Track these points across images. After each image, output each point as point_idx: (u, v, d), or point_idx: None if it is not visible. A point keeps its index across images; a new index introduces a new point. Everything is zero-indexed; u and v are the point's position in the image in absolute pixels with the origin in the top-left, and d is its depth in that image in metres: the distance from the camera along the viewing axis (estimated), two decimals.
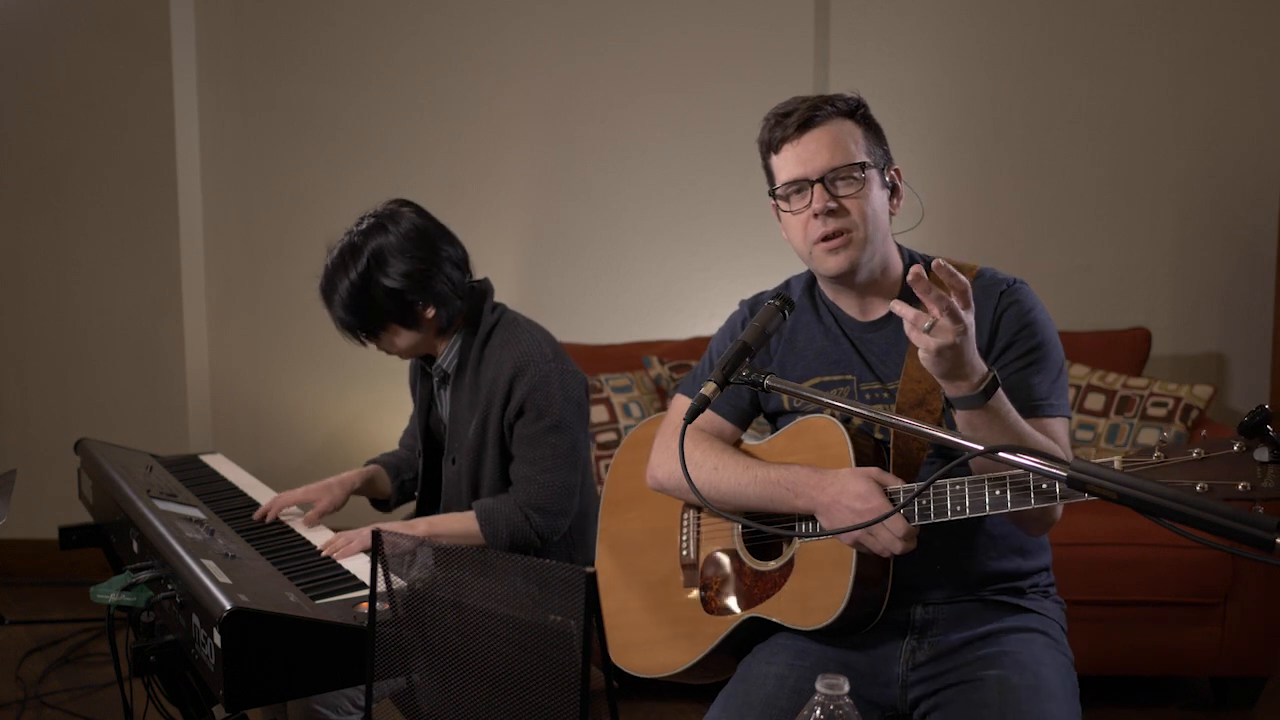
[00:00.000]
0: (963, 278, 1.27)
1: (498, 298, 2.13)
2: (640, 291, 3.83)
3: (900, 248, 1.63)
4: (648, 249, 3.82)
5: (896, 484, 1.44)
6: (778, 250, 3.76)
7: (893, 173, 1.59)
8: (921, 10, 3.61)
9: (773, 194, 1.58)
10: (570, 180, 3.85)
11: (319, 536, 1.93)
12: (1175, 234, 3.57)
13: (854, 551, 1.46)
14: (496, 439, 2.01)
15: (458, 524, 1.97)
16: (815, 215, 1.51)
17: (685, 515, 1.71)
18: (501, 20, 3.81)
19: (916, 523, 1.40)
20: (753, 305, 1.75)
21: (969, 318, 1.28)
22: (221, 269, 4.03)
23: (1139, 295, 3.59)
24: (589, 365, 3.43)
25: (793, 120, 1.53)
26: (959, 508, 1.37)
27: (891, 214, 1.58)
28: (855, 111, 1.55)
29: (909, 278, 1.28)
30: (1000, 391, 1.35)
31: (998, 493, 1.34)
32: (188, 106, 3.91)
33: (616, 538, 1.79)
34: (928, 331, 1.27)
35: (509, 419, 1.99)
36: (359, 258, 1.94)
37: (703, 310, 3.75)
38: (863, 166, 1.51)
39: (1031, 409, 1.48)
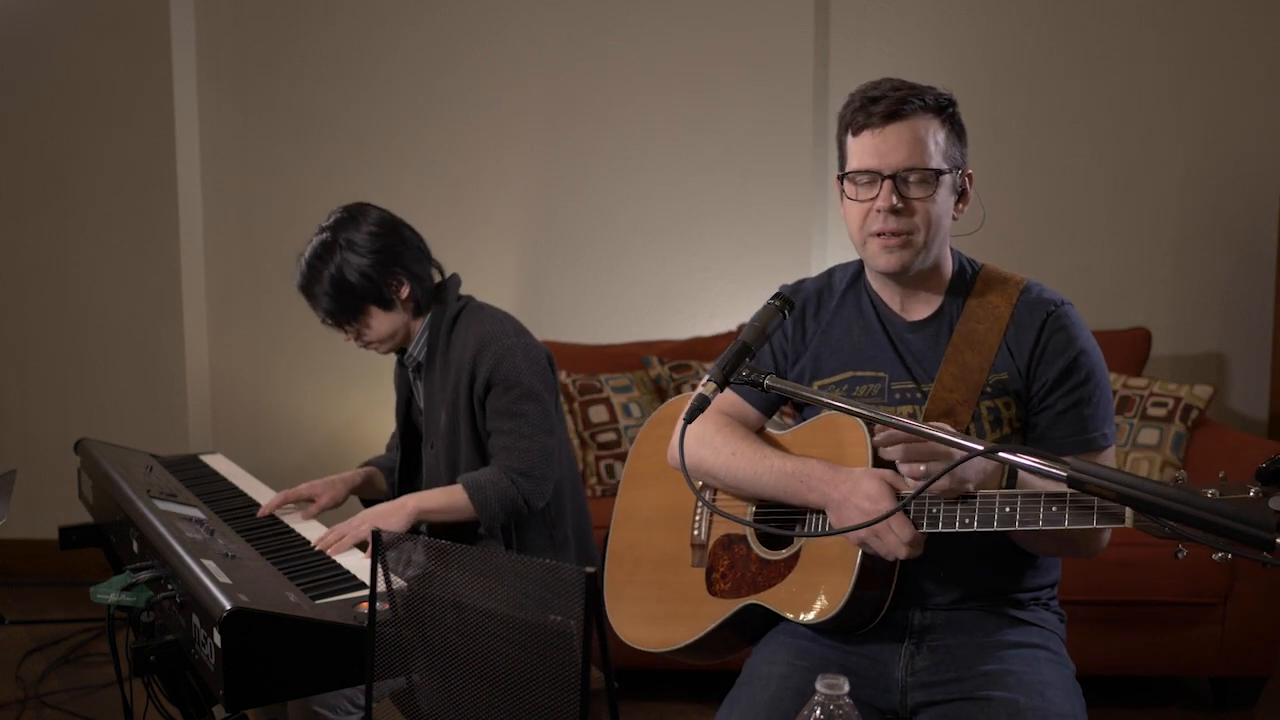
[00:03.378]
0: (924, 447, 1.35)
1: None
2: (640, 291, 3.83)
3: (953, 251, 1.62)
4: (647, 249, 3.81)
5: (909, 489, 1.42)
6: (778, 250, 3.77)
7: (965, 177, 1.56)
8: (921, 10, 3.61)
9: (841, 177, 1.55)
10: (570, 180, 3.85)
11: (318, 535, 1.93)
12: (1175, 234, 3.57)
13: (859, 551, 1.46)
14: (468, 419, 2.07)
15: (445, 497, 2.02)
16: (878, 210, 1.49)
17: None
18: (501, 21, 3.81)
19: (924, 530, 1.39)
20: (793, 292, 1.71)
21: (963, 471, 1.34)
22: (221, 269, 4.03)
23: (1139, 295, 3.59)
24: (589, 365, 3.43)
25: (879, 108, 1.48)
26: (968, 520, 1.36)
27: (954, 218, 1.57)
28: (944, 110, 1.51)
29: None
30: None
31: (1007, 510, 1.33)
32: (188, 106, 3.91)
33: (634, 510, 1.80)
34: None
35: (478, 396, 2.05)
36: (334, 248, 2.06)
37: (703, 310, 3.74)
38: (938, 174, 1.49)
39: (1085, 444, 1.49)
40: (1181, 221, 3.56)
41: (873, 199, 1.50)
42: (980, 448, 1.20)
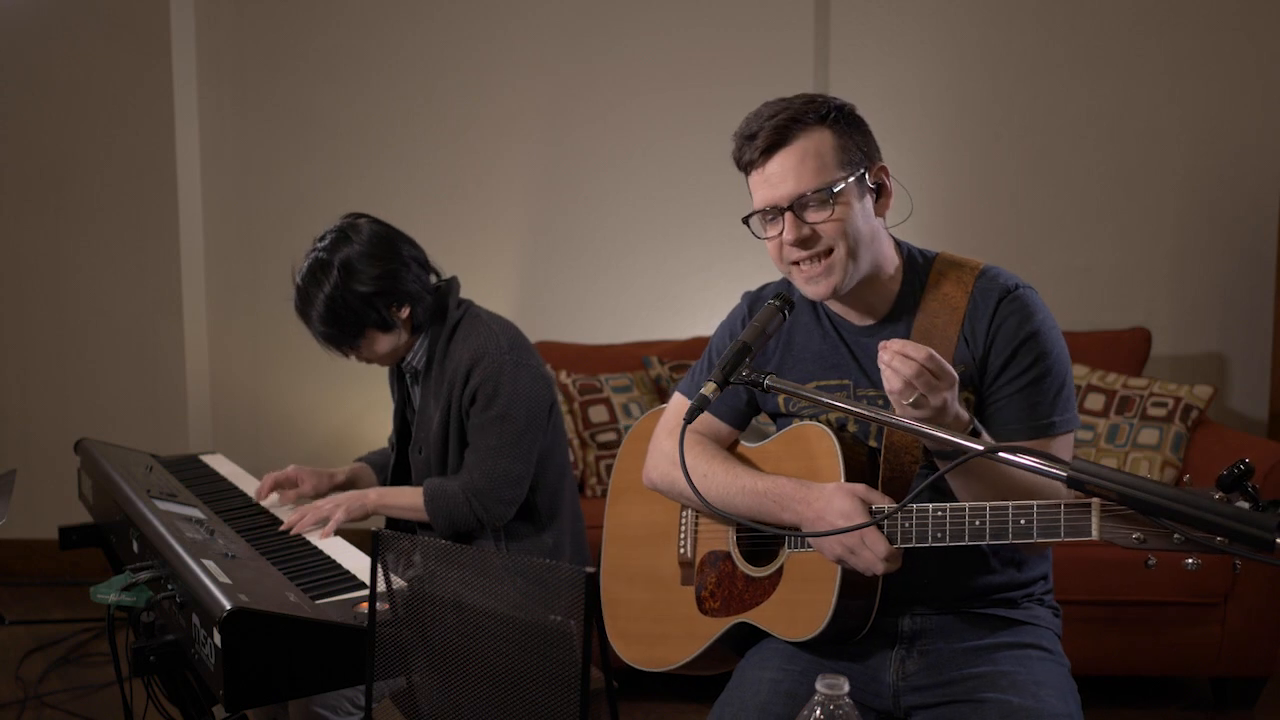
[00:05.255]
0: (923, 351, 1.28)
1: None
2: (640, 291, 3.83)
3: (899, 244, 1.58)
4: (648, 249, 3.81)
5: (883, 502, 1.41)
6: None
7: (878, 171, 1.51)
8: (921, 10, 3.61)
9: (747, 220, 1.54)
10: (570, 180, 3.85)
11: (319, 538, 1.93)
12: (1175, 234, 3.57)
13: (839, 567, 1.45)
14: (458, 429, 2.08)
15: (407, 498, 2.07)
16: (787, 244, 1.47)
17: (684, 513, 1.71)
18: (501, 20, 3.81)
19: (899, 545, 1.38)
20: (754, 298, 1.71)
21: (946, 381, 1.29)
22: (221, 269, 4.03)
23: (1139, 295, 3.59)
24: (589, 365, 3.43)
25: (758, 142, 1.46)
26: (939, 534, 1.35)
27: (881, 215, 1.52)
28: (827, 118, 1.46)
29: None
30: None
31: (976, 524, 1.33)
32: (188, 106, 3.91)
33: (620, 528, 1.80)
34: (910, 404, 1.29)
35: (465, 407, 2.06)
36: (330, 271, 2.02)
37: (703, 310, 3.74)
38: (832, 188, 1.44)
39: (1036, 429, 1.46)
40: (1181, 221, 3.56)
41: (779, 234, 1.48)
42: (980, 448, 1.20)
